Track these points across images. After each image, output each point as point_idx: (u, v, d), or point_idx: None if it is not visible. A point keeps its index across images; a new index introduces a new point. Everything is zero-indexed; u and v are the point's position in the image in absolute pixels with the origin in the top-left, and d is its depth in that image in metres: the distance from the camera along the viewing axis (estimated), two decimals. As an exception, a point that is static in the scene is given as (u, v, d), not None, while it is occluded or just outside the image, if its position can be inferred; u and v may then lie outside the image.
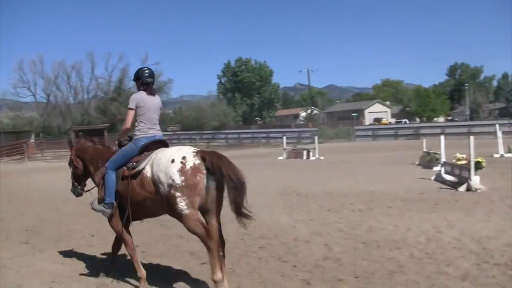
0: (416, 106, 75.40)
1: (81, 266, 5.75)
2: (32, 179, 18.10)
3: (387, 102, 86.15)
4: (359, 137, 48.37)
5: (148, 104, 5.01)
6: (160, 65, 70.99)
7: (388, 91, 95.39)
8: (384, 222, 7.56)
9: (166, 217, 8.14)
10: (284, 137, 30.43)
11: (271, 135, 51.18)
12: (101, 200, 5.00)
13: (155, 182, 4.49)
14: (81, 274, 5.38)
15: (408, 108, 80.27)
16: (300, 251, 6.05)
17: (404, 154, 22.43)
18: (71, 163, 5.67)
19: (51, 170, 22.07)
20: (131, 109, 5.06)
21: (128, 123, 5.14)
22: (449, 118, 78.88)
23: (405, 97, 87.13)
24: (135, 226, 6.68)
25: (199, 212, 4.43)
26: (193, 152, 4.51)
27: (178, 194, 4.31)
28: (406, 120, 68.46)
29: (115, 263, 5.31)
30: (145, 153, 4.86)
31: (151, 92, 5.09)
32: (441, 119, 75.86)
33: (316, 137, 26.95)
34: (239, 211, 4.43)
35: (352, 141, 46.78)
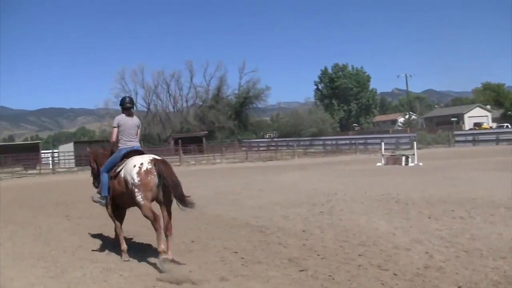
0: (519, 110, 69.58)
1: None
2: None
3: (488, 106, 79.89)
4: (458, 142, 45.50)
5: (126, 123, 6.63)
6: (257, 72, 72.27)
7: (488, 95, 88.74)
8: (487, 230, 7.12)
9: (265, 223, 8.46)
10: (382, 143, 29.64)
11: (369, 141, 49.92)
12: (99, 194, 6.69)
13: (126, 181, 6.02)
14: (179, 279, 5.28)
15: (510, 112, 74.22)
16: (400, 259, 5.84)
17: (507, 160, 20.93)
18: (90, 164, 7.37)
19: None
20: (114, 127, 6.67)
21: (114, 137, 6.69)
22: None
23: (507, 101, 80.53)
24: (234, 233, 7.13)
25: (150, 203, 5.87)
26: (149, 159, 6.00)
27: (136, 190, 5.85)
28: (508, 124, 63.34)
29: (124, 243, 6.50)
30: (124, 159, 6.34)
31: (129, 114, 6.72)
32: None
33: (414, 143, 25.98)
34: (182, 202, 5.78)
35: (452, 146, 44.23)
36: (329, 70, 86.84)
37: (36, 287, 5.30)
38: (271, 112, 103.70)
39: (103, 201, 6.57)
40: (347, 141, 52.63)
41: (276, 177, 18.57)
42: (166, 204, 6.01)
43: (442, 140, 47.05)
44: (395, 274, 5.25)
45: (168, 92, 71.36)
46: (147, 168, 5.90)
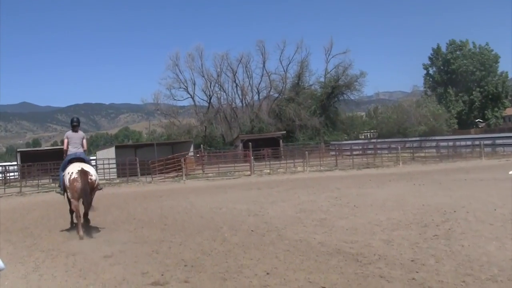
0: None
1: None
2: (192, 202, 18.08)
3: None
4: None
5: (72, 137, 12.39)
6: (349, 54, 70.51)
7: None
8: None
9: (362, 250, 8.34)
10: (517, 144, 28.41)
11: (498, 141, 47.89)
12: (59, 187, 12.60)
13: (64, 182, 11.41)
14: None
15: None
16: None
17: None
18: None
19: (214, 190, 22.72)
20: (64, 140, 12.54)
21: (65, 146, 12.43)
22: None
23: None
24: (321, 262, 7.18)
25: (77, 201, 11.21)
26: (78, 169, 11.23)
27: (68, 191, 11.31)
28: None
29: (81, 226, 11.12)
30: (69, 163, 11.85)
31: (75, 130, 12.46)
32: None
33: None
34: (86, 205, 11.25)
35: None
36: (443, 49, 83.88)
37: None
38: (367, 105, 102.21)
39: (60, 193, 12.48)
40: (469, 142, 50.73)
41: (376, 190, 18.37)
42: (85, 203, 11.34)
43: None
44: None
45: (235, 81, 70.93)
46: (74, 176, 11.19)
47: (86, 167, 11.69)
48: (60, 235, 11.72)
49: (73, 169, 11.36)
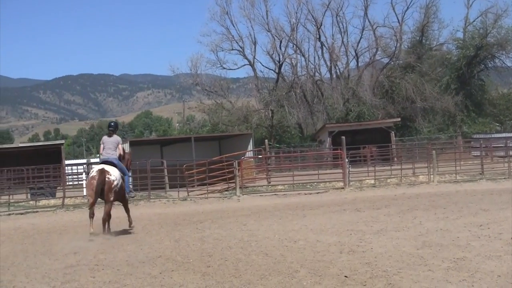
0: None
1: None
2: (251, 231, 18.27)
3: None
4: None
5: (107, 142, 18.61)
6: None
7: None
8: None
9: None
10: None
11: None
12: None
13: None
14: None
15: None
16: None
17: None
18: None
19: (286, 213, 23.13)
20: (100, 145, 19.38)
21: (100, 151, 19.39)
22: None
23: None
24: None
25: (93, 198, 17.36)
26: (98, 169, 17.65)
27: (85, 188, 26.80)
28: None
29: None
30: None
31: (110, 135, 18.71)
32: None
33: None
34: (105, 206, 18.08)
35: None
36: None
37: None
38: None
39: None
40: None
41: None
42: (106, 202, 17.55)
43: None
44: None
45: (319, 39, 70.70)
46: (92, 175, 17.36)
47: (108, 167, 17.54)
48: (45, 284, 11.70)
49: (95, 169, 17.71)
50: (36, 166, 35.37)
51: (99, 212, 18.09)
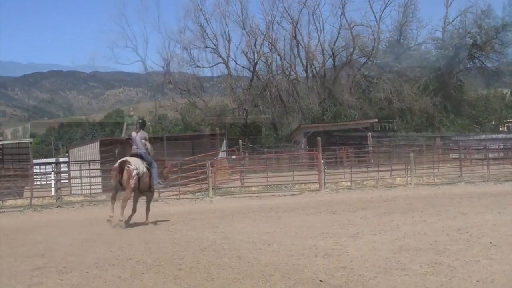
0: None
1: None
2: (224, 233, 18.13)
3: None
4: None
5: (135, 138, 20.85)
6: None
7: None
8: None
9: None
10: None
11: None
12: None
13: None
14: None
15: None
16: None
17: None
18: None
19: (260, 215, 22.69)
20: (128, 138, 26.10)
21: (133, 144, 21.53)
22: None
23: None
24: None
25: (115, 185, 20.21)
26: (121, 160, 20.25)
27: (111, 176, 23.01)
28: None
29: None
30: None
31: (137, 131, 21.01)
32: None
33: None
34: (124, 194, 20.15)
35: None
36: None
37: None
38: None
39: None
40: None
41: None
42: (125, 188, 19.57)
43: None
44: None
45: (295, 37, 70.98)
46: (115, 166, 20.01)
47: (131, 158, 19.88)
48: (11, 287, 11.61)
49: (119, 160, 20.29)
50: (3, 165, 35.28)
51: (127, 209, 19.96)
